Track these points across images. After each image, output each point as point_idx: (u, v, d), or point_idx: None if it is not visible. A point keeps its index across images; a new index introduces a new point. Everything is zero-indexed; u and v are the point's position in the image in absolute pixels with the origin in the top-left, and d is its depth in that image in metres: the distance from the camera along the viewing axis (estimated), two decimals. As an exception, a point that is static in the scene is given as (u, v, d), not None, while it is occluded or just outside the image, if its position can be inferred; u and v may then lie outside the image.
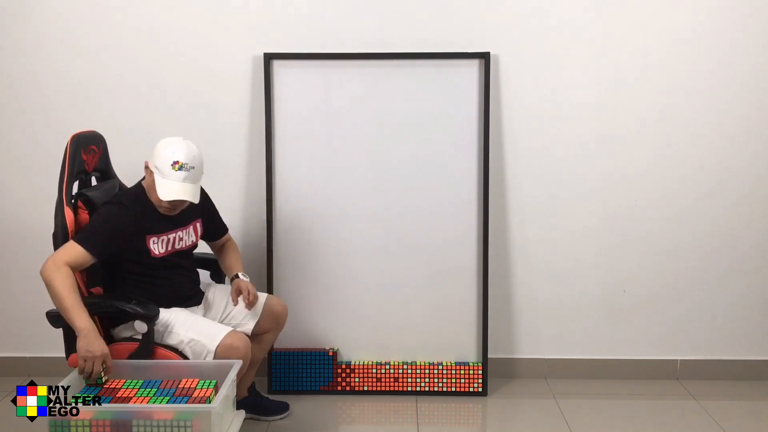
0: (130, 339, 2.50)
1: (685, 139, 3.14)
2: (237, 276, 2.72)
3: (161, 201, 2.47)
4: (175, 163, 2.44)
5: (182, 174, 2.45)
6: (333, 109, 3.08)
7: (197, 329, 2.49)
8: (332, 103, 3.08)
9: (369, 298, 3.17)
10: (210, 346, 2.44)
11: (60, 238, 2.47)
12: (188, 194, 2.46)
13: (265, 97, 3.06)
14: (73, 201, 2.54)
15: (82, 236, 2.40)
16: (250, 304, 2.66)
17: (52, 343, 3.14)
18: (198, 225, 2.71)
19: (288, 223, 3.15)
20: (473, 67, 3.06)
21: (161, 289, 2.58)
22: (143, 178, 2.58)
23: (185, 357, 2.47)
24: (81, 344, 2.25)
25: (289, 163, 3.11)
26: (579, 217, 3.19)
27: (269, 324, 2.78)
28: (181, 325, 2.50)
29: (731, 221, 3.20)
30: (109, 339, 2.53)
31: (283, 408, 2.94)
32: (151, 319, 2.42)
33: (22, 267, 3.23)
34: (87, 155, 2.61)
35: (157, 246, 2.54)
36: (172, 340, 2.49)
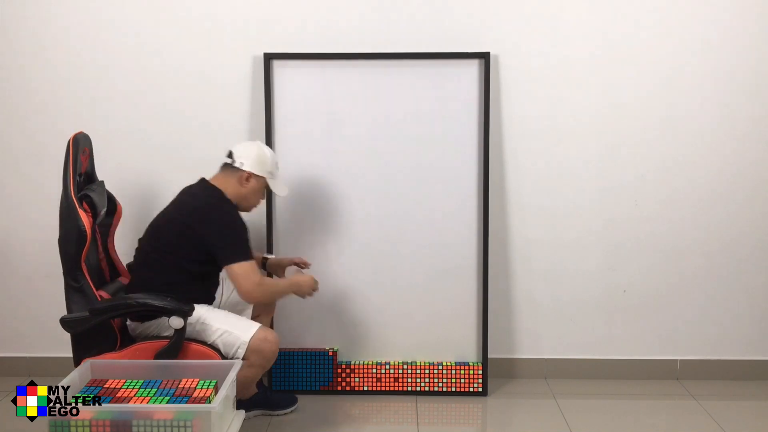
0: (157, 337, 2.53)
1: (686, 141, 3.14)
2: (266, 258, 2.98)
3: (258, 203, 2.76)
4: (276, 163, 2.79)
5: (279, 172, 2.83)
6: (333, 109, 3.09)
7: (230, 322, 2.58)
8: (332, 103, 3.08)
9: (369, 298, 3.17)
10: (244, 338, 2.53)
11: (74, 242, 2.42)
12: (287, 188, 2.85)
13: (265, 97, 3.06)
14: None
15: (243, 252, 2.56)
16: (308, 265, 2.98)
17: (52, 343, 3.15)
18: None
19: (287, 223, 3.15)
20: (473, 67, 3.06)
21: (213, 287, 2.74)
22: (210, 186, 2.66)
23: (216, 350, 2.51)
24: (304, 288, 2.75)
25: (289, 162, 3.11)
26: (579, 218, 3.19)
27: (260, 307, 2.92)
28: (214, 318, 2.57)
29: (732, 222, 3.20)
30: (123, 342, 2.54)
31: (293, 401, 2.97)
32: (187, 313, 2.44)
33: (22, 267, 3.23)
34: (83, 157, 2.61)
35: None
36: (204, 334, 2.54)
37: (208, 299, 2.71)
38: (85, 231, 2.43)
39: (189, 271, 2.60)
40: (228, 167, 2.69)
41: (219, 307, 2.75)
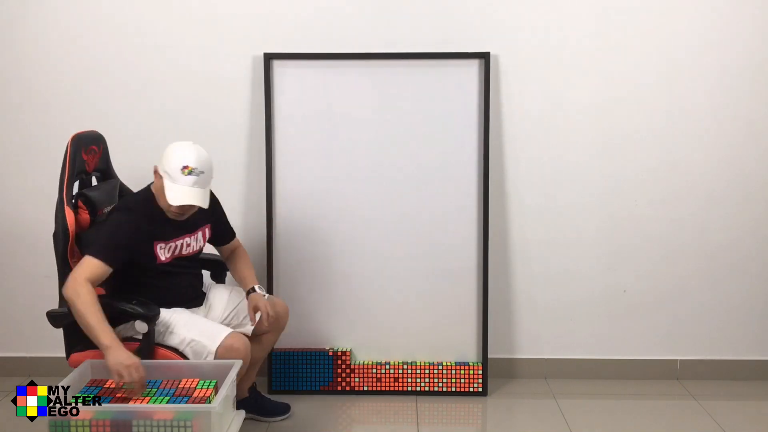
0: (131, 339, 2.50)
1: (686, 141, 3.14)
2: (253, 289, 2.70)
3: (170, 206, 2.45)
4: (185, 167, 2.41)
5: (192, 179, 2.42)
6: (333, 109, 3.08)
7: (198, 329, 2.49)
8: (332, 103, 3.08)
9: (369, 298, 3.17)
10: (210, 347, 2.43)
11: (61, 238, 2.47)
12: (197, 199, 2.43)
13: (265, 97, 3.06)
14: (73, 201, 2.53)
15: (96, 249, 2.36)
16: (270, 321, 2.65)
17: (52, 343, 3.14)
18: (206, 230, 2.70)
19: (288, 224, 3.14)
20: (473, 67, 3.06)
21: (164, 292, 2.56)
22: (152, 182, 2.56)
23: (185, 357, 2.47)
24: (111, 359, 2.24)
25: (289, 163, 3.11)
26: (579, 218, 3.19)
27: (270, 324, 2.77)
28: (182, 325, 2.50)
29: (731, 222, 3.20)
30: None
31: (284, 409, 2.94)
32: (151, 319, 2.41)
33: (21, 267, 3.23)
34: (88, 155, 2.61)
35: (163, 252, 2.53)
36: (172, 341, 2.49)
37: (174, 301, 2.58)
38: (68, 229, 2.45)
39: (128, 279, 2.49)
40: None
41: (223, 320, 2.70)
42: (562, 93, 3.11)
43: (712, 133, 3.14)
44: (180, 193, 2.41)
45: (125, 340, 2.49)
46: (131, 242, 2.44)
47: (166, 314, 2.49)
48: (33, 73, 3.11)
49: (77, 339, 2.48)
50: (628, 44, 3.08)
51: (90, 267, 2.33)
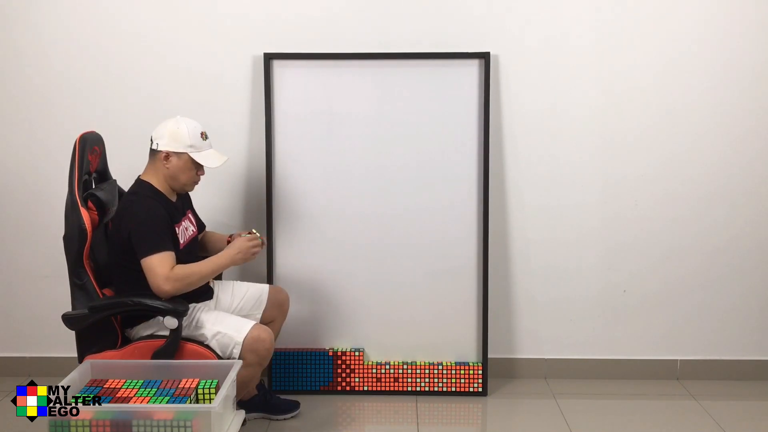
0: (151, 336, 2.51)
1: (685, 140, 3.15)
2: (230, 235, 2.81)
3: (192, 179, 2.58)
4: (202, 133, 2.60)
5: (209, 141, 2.63)
6: (333, 109, 3.08)
7: (224, 322, 2.54)
8: (332, 103, 3.08)
9: (369, 297, 3.17)
10: (237, 339, 2.49)
11: (76, 240, 2.43)
12: (223, 156, 2.62)
13: (265, 97, 3.06)
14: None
15: (151, 245, 2.40)
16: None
17: (52, 343, 3.15)
18: (190, 215, 2.76)
19: (288, 223, 3.15)
20: (473, 67, 3.06)
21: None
22: (139, 177, 2.60)
23: (212, 350, 2.49)
24: (238, 260, 2.56)
25: (289, 163, 3.11)
26: (579, 218, 3.19)
27: (274, 312, 2.87)
28: (207, 319, 2.54)
29: (731, 222, 3.20)
30: (125, 340, 2.54)
31: (294, 406, 2.95)
32: (181, 314, 2.42)
33: (22, 267, 3.23)
34: (92, 156, 2.61)
35: (179, 235, 2.58)
36: (199, 334, 2.52)
37: (199, 296, 2.63)
38: (86, 229, 2.44)
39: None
40: (151, 153, 2.59)
41: (232, 312, 2.74)
42: (562, 92, 3.11)
43: (712, 133, 3.14)
44: (214, 155, 2.59)
45: (144, 339, 2.50)
46: (168, 225, 2.52)
47: (191, 310, 2.52)
48: (33, 74, 3.11)
49: (93, 342, 2.49)
50: (628, 44, 3.08)
51: (162, 262, 2.40)
